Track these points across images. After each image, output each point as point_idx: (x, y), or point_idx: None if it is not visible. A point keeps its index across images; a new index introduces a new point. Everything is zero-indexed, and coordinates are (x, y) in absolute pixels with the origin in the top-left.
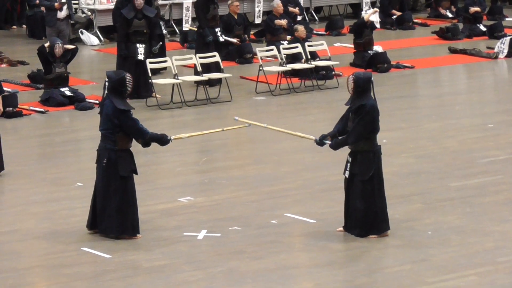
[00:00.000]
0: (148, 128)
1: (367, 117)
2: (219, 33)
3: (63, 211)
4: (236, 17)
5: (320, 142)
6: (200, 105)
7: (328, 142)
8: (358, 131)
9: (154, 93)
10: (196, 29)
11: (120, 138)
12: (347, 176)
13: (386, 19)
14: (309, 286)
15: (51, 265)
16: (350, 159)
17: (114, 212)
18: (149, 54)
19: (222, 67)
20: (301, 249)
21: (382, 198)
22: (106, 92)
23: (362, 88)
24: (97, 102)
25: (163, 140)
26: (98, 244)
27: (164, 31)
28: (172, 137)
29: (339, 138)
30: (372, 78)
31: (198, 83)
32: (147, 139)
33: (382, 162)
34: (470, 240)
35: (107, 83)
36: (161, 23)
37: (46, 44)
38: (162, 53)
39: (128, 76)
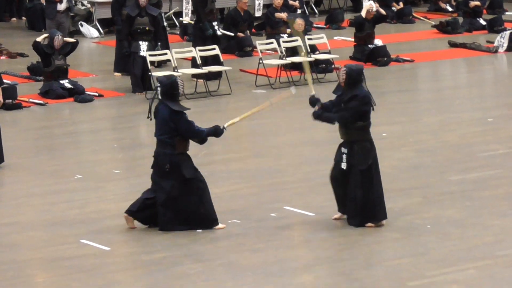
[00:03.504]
0: (147, 121)
1: (356, 104)
2: (216, 27)
3: (62, 203)
4: (242, 13)
5: (312, 102)
6: (199, 98)
7: (317, 107)
8: (345, 115)
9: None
10: (193, 22)
11: (179, 142)
12: (344, 168)
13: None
14: (309, 279)
15: (51, 257)
16: (346, 150)
17: (189, 214)
18: (152, 51)
19: (222, 60)
20: (301, 242)
21: (380, 187)
22: (158, 97)
23: (354, 80)
24: (97, 94)
25: (218, 132)
26: (97, 237)
27: (165, 24)
28: (225, 125)
29: (327, 113)
30: (363, 70)
31: (195, 77)
32: (204, 137)
33: (380, 154)
34: (470, 233)
35: (159, 88)
36: (162, 14)
37: (39, 38)
38: (165, 45)
39: (179, 80)
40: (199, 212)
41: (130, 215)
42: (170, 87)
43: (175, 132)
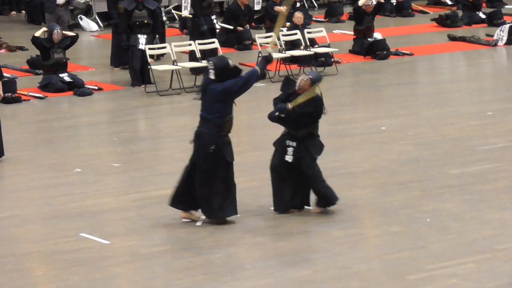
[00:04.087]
0: (146, 114)
1: (314, 109)
2: (214, 21)
3: (61, 197)
4: (243, 8)
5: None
6: (199, 91)
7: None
8: (301, 120)
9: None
10: (191, 16)
11: (227, 123)
12: (290, 161)
13: (386, 5)
14: (308, 272)
15: (50, 251)
16: (294, 144)
17: (220, 198)
18: (151, 44)
19: (221, 54)
20: (299, 236)
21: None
22: (209, 77)
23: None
24: (96, 87)
25: (269, 59)
26: (97, 230)
27: (164, 18)
28: (269, 52)
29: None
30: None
31: (194, 71)
32: (260, 74)
33: (379, 148)
34: (469, 227)
35: (211, 70)
36: (162, 8)
37: (37, 33)
38: (161, 40)
39: (230, 61)
40: (221, 200)
41: (183, 209)
42: (223, 69)
43: (225, 112)
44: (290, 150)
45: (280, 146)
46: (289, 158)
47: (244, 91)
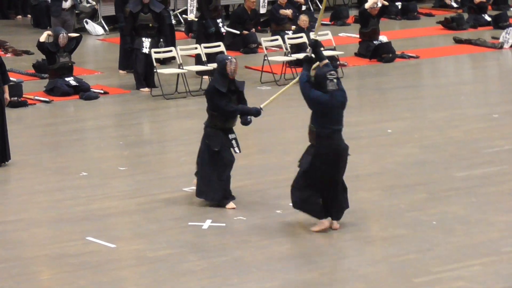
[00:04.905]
0: (152, 118)
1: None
2: (220, 24)
3: (67, 200)
4: (250, 12)
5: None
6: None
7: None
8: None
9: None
10: (196, 19)
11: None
12: (238, 152)
13: (391, 8)
14: (314, 275)
15: (56, 255)
16: (234, 136)
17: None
18: (155, 48)
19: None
20: (306, 239)
21: None
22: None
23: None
24: (102, 91)
25: (315, 46)
26: (103, 234)
27: (173, 21)
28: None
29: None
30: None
31: (200, 74)
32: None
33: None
34: (475, 230)
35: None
36: (171, 12)
37: (42, 38)
38: (171, 43)
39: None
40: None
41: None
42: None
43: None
44: (234, 142)
45: (226, 141)
46: (237, 150)
47: (305, 98)
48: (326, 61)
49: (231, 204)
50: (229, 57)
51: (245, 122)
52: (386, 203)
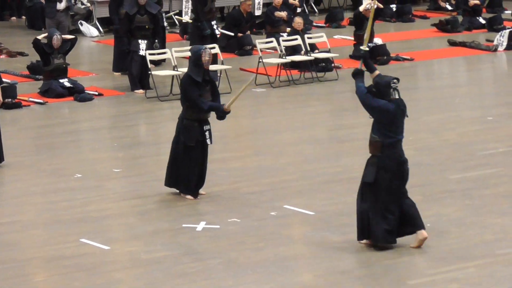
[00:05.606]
0: (147, 119)
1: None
2: (215, 26)
3: (62, 202)
4: (245, 15)
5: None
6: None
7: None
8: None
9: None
10: (191, 21)
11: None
12: (210, 143)
13: (386, 10)
14: (308, 277)
15: (51, 256)
16: (209, 127)
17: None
18: (151, 49)
19: (221, 59)
20: (300, 241)
21: None
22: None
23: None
24: (96, 93)
25: (365, 56)
26: (98, 236)
27: (165, 23)
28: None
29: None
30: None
31: None
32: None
33: None
34: (470, 232)
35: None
36: (163, 14)
37: (40, 36)
38: (162, 45)
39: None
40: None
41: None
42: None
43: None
44: (207, 134)
45: (200, 133)
46: (209, 141)
47: (368, 109)
48: (378, 72)
49: (189, 196)
50: (204, 47)
51: (222, 117)
52: None
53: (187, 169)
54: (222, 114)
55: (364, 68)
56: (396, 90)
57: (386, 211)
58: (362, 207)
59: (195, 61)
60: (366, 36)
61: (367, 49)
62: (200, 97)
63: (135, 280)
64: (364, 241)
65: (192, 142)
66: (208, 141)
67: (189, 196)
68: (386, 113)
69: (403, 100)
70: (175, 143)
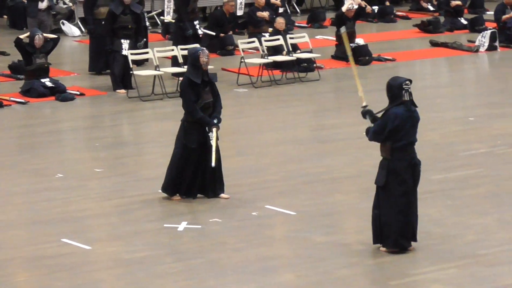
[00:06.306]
0: (129, 119)
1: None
2: (197, 26)
3: (43, 202)
4: (228, 15)
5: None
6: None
7: (369, 124)
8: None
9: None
10: (173, 21)
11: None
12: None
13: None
14: (290, 277)
15: (32, 256)
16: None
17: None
18: (134, 49)
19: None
20: (282, 241)
21: None
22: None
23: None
24: (78, 93)
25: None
26: (79, 236)
27: (147, 23)
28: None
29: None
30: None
31: (176, 75)
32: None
33: (362, 153)
34: (451, 233)
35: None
36: (145, 13)
37: (22, 36)
38: (144, 45)
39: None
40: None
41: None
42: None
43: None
44: (210, 135)
45: (201, 134)
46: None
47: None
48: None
49: (176, 196)
50: (202, 49)
51: (209, 130)
52: (363, 206)
53: (182, 170)
54: (210, 128)
55: (371, 124)
56: (407, 92)
57: (398, 214)
58: (374, 211)
59: (193, 63)
60: (361, 94)
61: (367, 105)
62: (195, 103)
63: (116, 280)
64: (381, 248)
65: (194, 144)
66: (210, 142)
67: (175, 197)
68: (397, 121)
69: (414, 101)
70: (175, 148)
